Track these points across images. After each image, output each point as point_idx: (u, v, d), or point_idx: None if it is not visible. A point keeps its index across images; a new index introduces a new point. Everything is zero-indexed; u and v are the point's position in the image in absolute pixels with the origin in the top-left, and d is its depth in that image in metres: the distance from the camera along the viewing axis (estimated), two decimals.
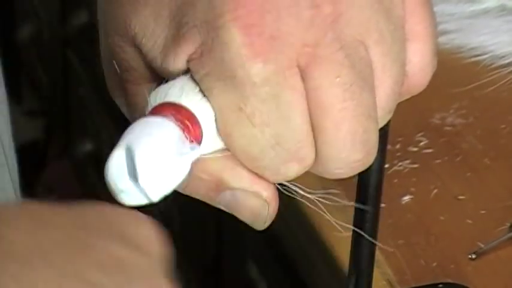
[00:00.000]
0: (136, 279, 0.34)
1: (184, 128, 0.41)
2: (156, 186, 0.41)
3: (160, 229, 0.36)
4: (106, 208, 0.36)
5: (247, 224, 0.44)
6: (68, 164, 1.49)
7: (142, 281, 0.34)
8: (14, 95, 1.67)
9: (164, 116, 0.41)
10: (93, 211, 0.36)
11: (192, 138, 0.41)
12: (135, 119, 0.42)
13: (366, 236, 0.55)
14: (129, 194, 0.41)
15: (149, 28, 0.43)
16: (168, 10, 0.42)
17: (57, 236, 0.34)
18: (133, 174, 0.40)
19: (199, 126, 0.42)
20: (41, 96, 1.64)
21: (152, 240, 0.35)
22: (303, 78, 0.41)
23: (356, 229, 0.54)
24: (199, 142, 0.42)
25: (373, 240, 0.55)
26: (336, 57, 0.41)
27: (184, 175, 0.41)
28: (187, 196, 0.44)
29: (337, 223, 0.53)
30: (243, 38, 0.40)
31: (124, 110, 0.47)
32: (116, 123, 1.25)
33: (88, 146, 1.40)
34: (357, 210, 0.54)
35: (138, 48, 0.43)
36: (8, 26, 1.65)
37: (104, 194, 0.41)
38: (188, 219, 1.04)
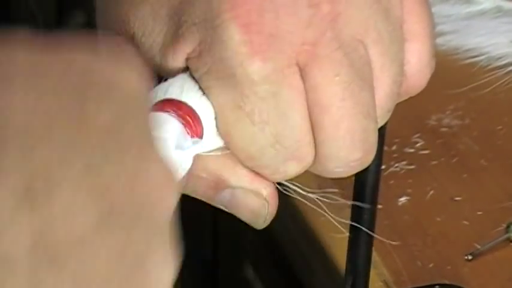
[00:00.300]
0: (134, 145, 0.33)
1: (186, 124, 0.41)
2: None
3: (144, 69, 0.35)
4: (96, 55, 0.35)
5: (244, 224, 0.43)
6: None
7: (140, 146, 0.33)
8: None
9: (166, 111, 0.42)
10: (83, 60, 0.34)
11: (193, 134, 0.41)
12: None
13: (364, 229, 0.55)
14: None
15: (148, 27, 0.43)
16: (167, 9, 0.42)
17: (52, 101, 0.32)
18: None
19: (200, 123, 0.42)
20: None
21: (141, 93, 0.34)
22: (302, 77, 0.41)
23: (354, 223, 0.55)
24: (200, 138, 0.42)
25: (373, 234, 0.55)
26: (335, 55, 0.41)
27: (187, 169, 0.41)
28: (184, 196, 0.42)
29: (335, 222, 0.53)
30: (242, 36, 0.40)
31: None
32: None
33: None
34: (354, 210, 0.54)
35: (136, 46, 0.43)
36: (3, 27, 1.73)
37: None
38: (184, 220, 1.05)
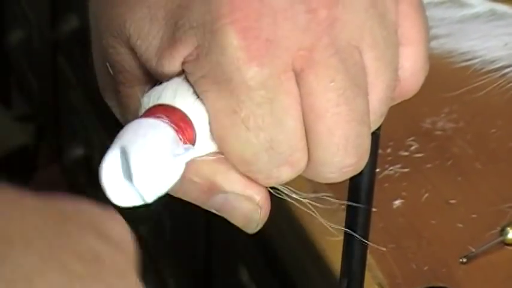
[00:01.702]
0: (113, 273, 0.34)
1: (178, 130, 0.41)
2: (151, 187, 0.41)
3: (131, 230, 0.37)
4: (82, 202, 0.36)
5: (238, 227, 0.43)
6: (58, 169, 1.50)
7: (118, 276, 0.34)
8: (4, 100, 1.67)
9: (158, 117, 0.41)
10: (70, 203, 0.36)
11: (185, 140, 0.41)
12: (127, 121, 0.42)
13: (357, 236, 0.54)
14: (124, 194, 0.41)
15: (144, 29, 0.43)
16: (164, 12, 0.42)
17: (35, 221, 0.34)
18: (127, 175, 0.40)
19: (193, 128, 0.42)
20: (31, 101, 1.65)
21: (127, 239, 0.36)
22: (298, 83, 0.41)
23: (348, 230, 0.54)
24: (192, 144, 0.42)
25: (366, 241, 0.54)
26: (331, 61, 0.41)
27: (179, 176, 0.41)
28: (177, 199, 0.44)
29: (329, 226, 0.53)
30: (240, 41, 0.40)
31: (116, 112, 0.47)
32: (107, 128, 1.26)
33: (79, 151, 1.40)
34: (349, 214, 0.54)
35: (132, 49, 0.43)
36: None
37: (94, 199, 0.40)
38: (178, 224, 1.04)
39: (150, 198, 0.41)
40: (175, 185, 0.41)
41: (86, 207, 0.36)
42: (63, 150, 1.49)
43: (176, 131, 0.41)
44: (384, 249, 0.64)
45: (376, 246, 0.59)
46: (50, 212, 0.35)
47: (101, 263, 0.34)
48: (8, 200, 0.35)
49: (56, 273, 0.33)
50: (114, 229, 0.36)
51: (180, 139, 0.41)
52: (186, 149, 0.41)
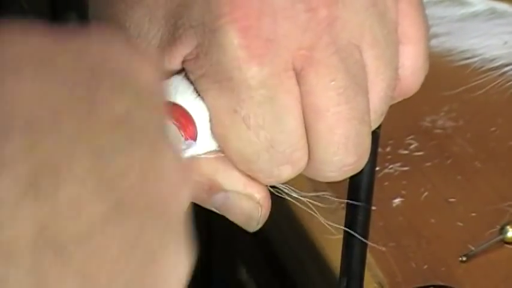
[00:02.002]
0: (146, 138, 0.33)
1: (180, 126, 0.41)
2: None
3: (159, 65, 0.36)
4: (112, 41, 0.35)
5: (238, 226, 0.44)
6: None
7: (153, 140, 0.33)
8: None
9: None
10: (96, 45, 0.34)
11: (186, 136, 0.42)
12: None
13: (357, 236, 0.55)
14: None
15: (144, 28, 0.43)
16: (164, 11, 0.42)
17: (62, 91, 0.32)
18: None
19: (194, 125, 0.42)
20: None
21: (156, 84, 0.35)
22: (298, 82, 0.41)
23: (348, 230, 0.54)
24: (194, 140, 0.42)
25: (365, 240, 0.55)
26: (331, 60, 0.41)
27: None
28: None
29: (328, 225, 0.53)
30: (240, 40, 0.40)
31: None
32: None
33: None
34: (348, 212, 0.54)
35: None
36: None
37: None
38: None
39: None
40: None
41: (112, 53, 0.34)
42: None
43: (177, 126, 0.41)
44: (384, 248, 0.64)
45: (375, 245, 0.59)
46: (77, 74, 0.33)
47: (131, 123, 0.33)
48: (37, 59, 0.33)
49: (86, 152, 0.31)
50: (143, 75, 0.34)
51: (182, 135, 0.41)
52: (188, 145, 0.41)
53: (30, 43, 0.32)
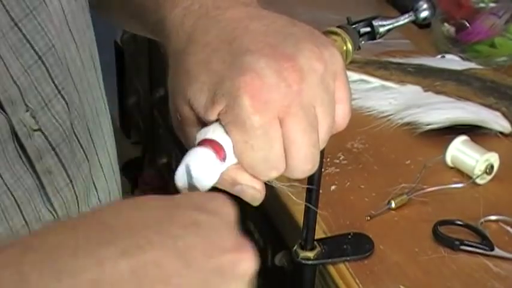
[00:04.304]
0: (207, 230, 0.38)
1: (216, 153, 0.47)
2: (203, 184, 0.46)
3: (232, 201, 0.40)
4: (194, 192, 0.43)
5: (248, 202, 0.49)
6: (153, 171, 1.71)
7: (214, 232, 0.38)
8: (126, 134, 1.81)
9: (205, 146, 0.47)
10: (184, 195, 0.42)
11: (220, 158, 0.47)
12: (189, 147, 0.47)
13: (311, 206, 0.71)
14: (188, 189, 0.46)
15: (197, 95, 0.48)
16: (208, 86, 0.48)
17: (154, 213, 0.39)
18: (190, 179, 0.46)
19: (224, 151, 0.47)
20: (140, 134, 1.86)
21: (223, 206, 0.40)
22: (281, 125, 0.47)
23: (307, 203, 0.71)
24: (224, 160, 0.47)
25: (316, 209, 0.72)
26: (299, 114, 0.47)
27: (217, 178, 0.47)
28: (217, 189, 0.47)
29: (296, 199, 0.69)
30: (250, 102, 0.46)
31: (183, 140, 0.52)
32: (180, 148, 1.33)
33: (164, 160, 1.63)
34: (307, 193, 0.71)
35: (191, 106, 0.49)
36: (122, 97, 1.78)
37: (174, 188, 0.47)
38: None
39: (203, 190, 0.46)
40: (216, 181, 0.47)
41: (195, 195, 0.41)
42: (156, 160, 1.68)
43: (215, 153, 0.47)
44: (326, 213, 0.84)
45: (321, 212, 0.77)
46: (164, 205, 0.40)
47: (199, 226, 0.38)
48: (141, 202, 0.40)
49: (163, 237, 0.37)
50: (212, 203, 0.39)
51: (218, 158, 0.47)
52: (221, 163, 0.47)
53: (151, 196, 0.39)
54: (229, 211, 0.40)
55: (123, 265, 0.36)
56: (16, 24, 0.53)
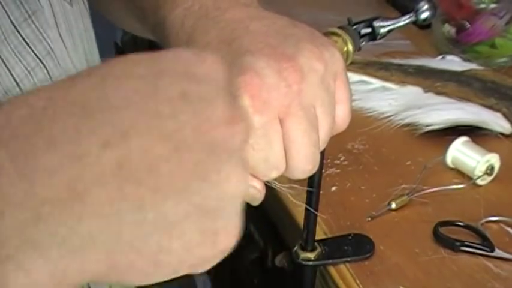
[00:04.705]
0: (199, 104, 0.34)
1: None
2: None
3: (218, 60, 0.36)
4: (181, 52, 0.37)
5: (248, 202, 0.45)
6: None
7: (204, 105, 0.35)
8: None
9: None
10: (169, 56, 0.36)
11: None
12: None
13: (311, 210, 0.70)
14: None
15: None
16: None
17: (136, 85, 0.34)
18: None
19: None
20: None
21: (214, 70, 0.36)
22: (281, 125, 0.46)
23: (307, 206, 0.70)
24: None
25: (315, 211, 0.71)
26: (299, 114, 0.46)
27: None
28: None
29: (296, 201, 0.71)
30: (250, 102, 0.45)
31: None
32: None
33: None
34: (307, 195, 0.69)
35: None
36: None
37: None
38: None
39: None
40: None
41: (182, 56, 0.36)
42: None
43: None
44: (326, 214, 0.82)
45: (321, 213, 0.77)
46: (149, 74, 0.35)
47: (189, 99, 0.34)
48: (122, 68, 0.35)
49: (148, 118, 0.33)
50: (202, 67, 0.36)
51: None
52: None
53: (131, 58, 0.35)
54: (221, 75, 0.36)
55: (105, 157, 0.33)
56: (16, 28, 0.52)
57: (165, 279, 0.36)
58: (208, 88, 0.35)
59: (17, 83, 0.52)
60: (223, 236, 0.35)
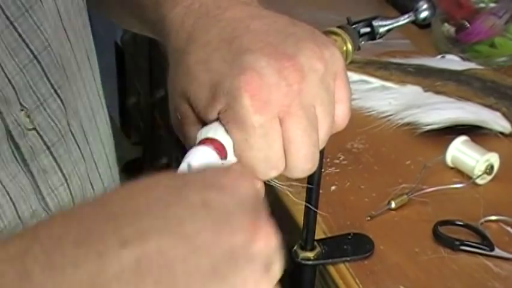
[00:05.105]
0: (220, 212, 0.36)
1: (217, 151, 0.46)
2: None
3: (251, 178, 0.38)
4: (208, 167, 0.40)
5: None
6: (153, 172, 1.64)
7: (225, 212, 0.36)
8: (126, 134, 1.82)
9: (206, 145, 0.46)
10: (194, 172, 0.40)
11: (221, 157, 0.46)
12: (189, 147, 0.47)
13: (311, 207, 0.71)
14: None
15: (197, 94, 0.48)
16: (209, 86, 0.47)
17: (160, 193, 0.37)
18: None
19: (225, 150, 0.47)
20: (140, 135, 1.88)
21: (238, 182, 0.38)
22: (281, 124, 0.46)
23: (306, 204, 0.71)
24: (225, 158, 0.47)
25: (316, 210, 0.72)
26: (299, 113, 0.46)
27: None
28: None
29: (296, 199, 0.74)
30: (250, 102, 0.45)
31: (183, 140, 0.51)
32: (180, 149, 1.00)
33: (164, 161, 1.58)
34: (307, 193, 0.70)
35: (191, 105, 0.49)
36: (122, 98, 1.79)
37: None
38: None
39: None
40: None
41: (208, 171, 0.39)
42: (156, 160, 1.64)
43: (217, 152, 0.46)
44: (326, 213, 0.82)
45: (321, 212, 0.76)
46: (178, 182, 0.37)
47: (207, 205, 0.36)
48: (149, 184, 0.38)
49: (168, 221, 0.35)
50: (225, 179, 0.38)
51: (219, 156, 0.46)
52: (222, 161, 0.46)
53: (163, 173, 0.37)
54: (245, 187, 0.38)
55: (125, 255, 0.35)
56: (12, 23, 0.52)
57: None
58: (230, 198, 0.37)
59: (9, 80, 0.52)
60: None
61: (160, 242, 0.35)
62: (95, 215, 0.37)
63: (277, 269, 0.38)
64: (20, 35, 0.53)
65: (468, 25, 1.13)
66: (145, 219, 0.36)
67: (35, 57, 0.54)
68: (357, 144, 0.96)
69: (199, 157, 0.46)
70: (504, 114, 0.97)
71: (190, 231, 0.35)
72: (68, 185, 0.58)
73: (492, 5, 1.14)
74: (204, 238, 0.35)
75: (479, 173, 0.89)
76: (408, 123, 0.97)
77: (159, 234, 0.35)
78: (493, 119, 0.96)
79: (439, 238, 0.81)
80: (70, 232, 0.36)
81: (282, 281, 0.81)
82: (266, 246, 0.37)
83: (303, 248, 0.76)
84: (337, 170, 0.91)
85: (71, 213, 0.38)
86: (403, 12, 0.65)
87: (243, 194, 0.38)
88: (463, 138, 0.91)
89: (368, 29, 0.63)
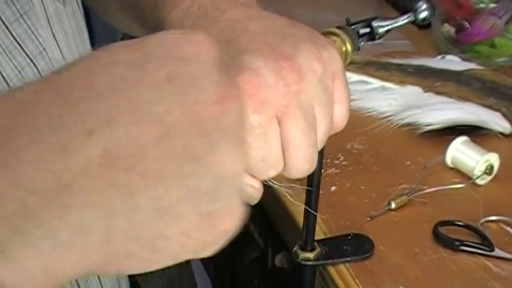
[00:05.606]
0: (187, 85, 0.34)
1: None
2: None
3: (209, 41, 0.36)
4: (168, 34, 0.36)
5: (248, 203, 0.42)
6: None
7: (193, 86, 0.34)
8: None
9: None
10: (155, 39, 0.35)
11: None
12: None
13: (310, 210, 0.70)
14: None
15: None
16: None
17: (119, 72, 0.34)
18: None
19: None
20: None
21: (202, 49, 0.35)
22: (279, 124, 0.46)
23: (306, 207, 0.70)
24: None
25: (315, 212, 0.71)
26: (297, 113, 0.46)
27: None
28: None
29: (295, 201, 0.74)
30: (249, 101, 0.45)
31: None
32: None
33: None
34: (306, 194, 0.69)
35: None
36: None
37: None
38: None
39: None
40: None
41: (169, 38, 0.36)
42: None
43: None
44: (326, 214, 0.83)
45: (321, 213, 0.78)
46: (135, 59, 0.34)
47: (176, 80, 0.34)
48: (107, 56, 0.35)
49: (134, 104, 0.33)
50: (188, 47, 0.35)
51: None
52: None
53: (117, 45, 0.35)
54: (211, 54, 0.35)
55: (91, 147, 0.32)
56: (7, 28, 0.52)
57: (167, 265, 0.35)
58: (197, 68, 0.34)
59: (7, 83, 0.52)
60: (223, 218, 0.35)
61: (128, 129, 0.32)
62: (50, 100, 0.33)
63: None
64: (15, 39, 0.53)
65: (468, 25, 1.13)
66: (110, 103, 0.33)
67: (31, 60, 0.54)
68: (357, 145, 0.96)
69: None
70: (504, 115, 0.97)
71: (159, 112, 0.33)
72: None
73: (492, 5, 1.14)
74: (174, 117, 0.33)
75: (479, 173, 0.89)
76: (408, 124, 0.97)
77: (126, 119, 0.33)
78: (493, 120, 0.96)
79: (439, 238, 0.81)
80: (24, 124, 0.33)
81: (282, 281, 0.83)
82: (239, 118, 0.35)
83: (303, 249, 0.76)
84: (337, 171, 0.91)
85: (21, 95, 0.33)
86: (402, 12, 0.65)
87: (210, 60, 0.35)
88: (463, 138, 0.91)
89: (367, 30, 0.63)
